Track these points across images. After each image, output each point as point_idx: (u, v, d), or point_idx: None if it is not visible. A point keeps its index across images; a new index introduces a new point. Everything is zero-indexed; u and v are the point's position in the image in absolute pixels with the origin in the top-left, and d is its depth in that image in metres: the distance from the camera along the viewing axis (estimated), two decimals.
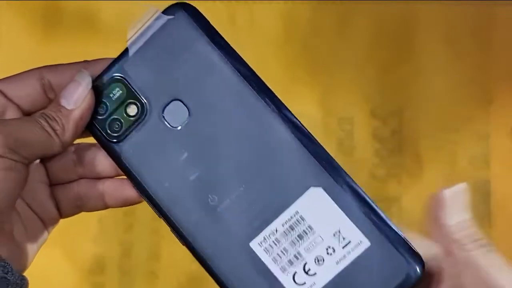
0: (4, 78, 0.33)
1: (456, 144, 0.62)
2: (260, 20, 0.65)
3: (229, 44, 0.31)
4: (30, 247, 0.32)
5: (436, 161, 0.62)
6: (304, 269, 0.29)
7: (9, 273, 0.29)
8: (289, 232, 0.29)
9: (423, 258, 0.29)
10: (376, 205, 0.29)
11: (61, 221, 0.35)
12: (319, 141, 0.30)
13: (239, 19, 0.64)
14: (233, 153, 0.30)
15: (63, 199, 0.34)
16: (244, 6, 0.65)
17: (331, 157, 0.29)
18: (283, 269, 0.29)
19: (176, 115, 0.31)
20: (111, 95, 0.32)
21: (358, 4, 0.64)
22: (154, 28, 0.31)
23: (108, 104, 0.32)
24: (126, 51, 0.32)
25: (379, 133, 0.63)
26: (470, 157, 0.62)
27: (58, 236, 0.37)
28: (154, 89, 0.31)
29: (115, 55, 0.32)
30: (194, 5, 0.32)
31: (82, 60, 0.34)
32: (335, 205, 0.29)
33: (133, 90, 0.32)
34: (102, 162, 0.33)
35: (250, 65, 0.31)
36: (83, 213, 0.35)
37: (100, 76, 0.32)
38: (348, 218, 0.29)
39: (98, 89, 0.32)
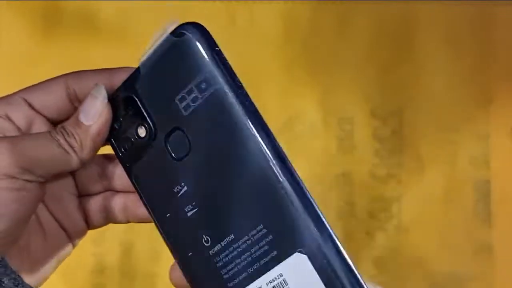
0: (29, 87, 0.32)
1: (456, 144, 0.63)
2: (260, 20, 0.65)
3: (232, 72, 0.29)
4: (49, 261, 0.32)
5: (436, 161, 0.62)
6: None
7: (20, 285, 0.29)
8: None
9: None
10: (360, 276, 0.28)
11: None
12: (311, 195, 0.29)
13: (239, 19, 0.64)
14: (227, 199, 0.29)
15: (91, 210, 0.34)
16: (244, 6, 0.65)
17: (321, 214, 0.28)
18: None
19: (178, 146, 0.30)
20: (124, 113, 0.31)
21: (358, 4, 0.64)
22: (162, 48, 0.30)
23: (122, 121, 0.31)
24: (138, 70, 0.31)
25: (379, 133, 0.63)
26: (470, 157, 0.62)
27: None
28: (161, 113, 0.30)
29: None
30: (203, 25, 0.30)
31: (105, 66, 0.33)
32: (318, 277, 0.28)
33: (143, 111, 0.31)
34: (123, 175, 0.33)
35: (251, 96, 0.29)
36: None
37: (116, 91, 0.31)
38: None
39: (115, 104, 0.31)
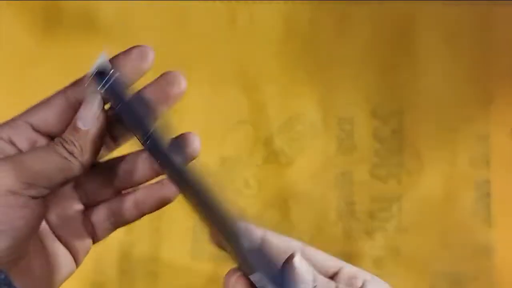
0: (31, 108, 0.33)
1: (456, 144, 0.62)
2: (260, 20, 0.65)
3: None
4: (52, 280, 0.33)
5: (436, 161, 0.62)
6: None
7: None
8: None
9: None
10: None
11: None
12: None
13: (239, 19, 0.64)
14: None
15: (98, 220, 0.34)
16: (244, 6, 0.65)
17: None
18: None
19: None
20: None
21: (358, 4, 0.64)
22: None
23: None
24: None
25: (379, 133, 0.63)
26: (470, 157, 0.62)
27: None
28: None
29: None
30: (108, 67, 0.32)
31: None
32: None
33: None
34: (139, 169, 0.33)
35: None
36: None
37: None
38: None
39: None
